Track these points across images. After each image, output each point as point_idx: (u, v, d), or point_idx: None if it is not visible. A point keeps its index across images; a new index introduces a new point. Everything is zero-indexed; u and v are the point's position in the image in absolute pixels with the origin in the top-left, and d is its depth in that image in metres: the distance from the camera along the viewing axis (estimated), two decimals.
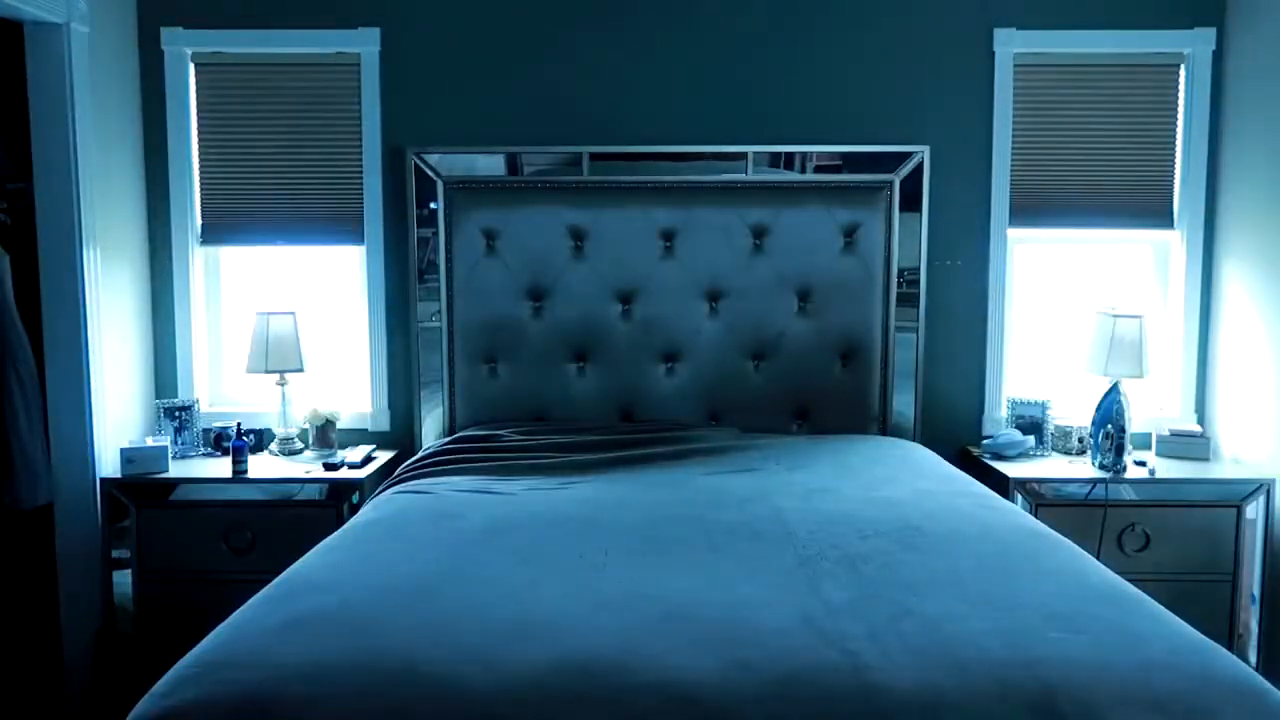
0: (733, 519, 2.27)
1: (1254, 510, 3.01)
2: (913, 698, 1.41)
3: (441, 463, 2.85)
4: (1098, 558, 2.55)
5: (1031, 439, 3.27)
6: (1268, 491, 3.00)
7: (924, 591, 1.75)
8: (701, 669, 1.46)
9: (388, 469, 3.19)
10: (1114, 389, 3.10)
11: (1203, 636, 1.62)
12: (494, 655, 1.51)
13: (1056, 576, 1.87)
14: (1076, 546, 2.09)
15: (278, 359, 3.25)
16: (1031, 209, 3.40)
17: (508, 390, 3.31)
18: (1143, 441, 3.32)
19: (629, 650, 1.52)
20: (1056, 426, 3.30)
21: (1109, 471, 3.04)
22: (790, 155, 3.29)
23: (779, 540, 2.09)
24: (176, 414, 3.29)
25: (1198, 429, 3.35)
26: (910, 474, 2.75)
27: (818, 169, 3.28)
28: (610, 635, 1.57)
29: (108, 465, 3.10)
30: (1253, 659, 3.05)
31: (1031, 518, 2.33)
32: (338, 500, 3.03)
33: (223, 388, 3.52)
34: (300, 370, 3.30)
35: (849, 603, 1.71)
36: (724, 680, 1.44)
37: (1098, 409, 3.11)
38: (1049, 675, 1.45)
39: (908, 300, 3.29)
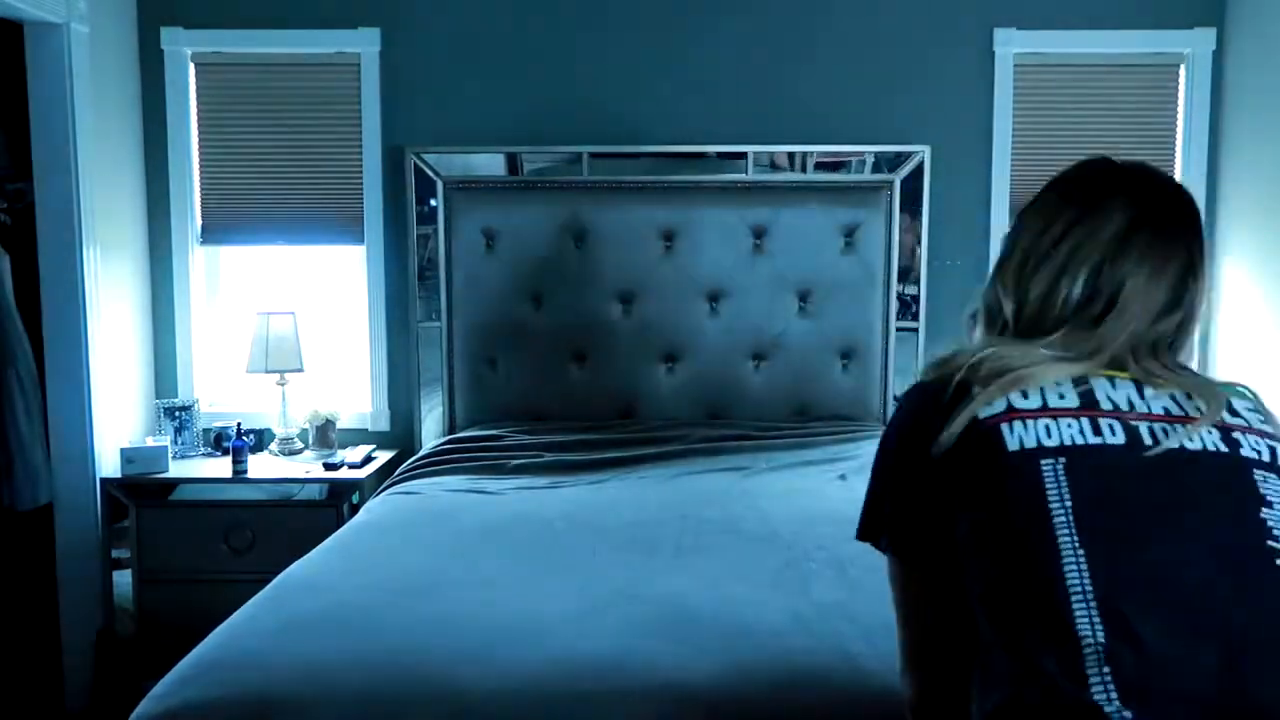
0: (727, 518, 2.27)
1: None
2: None
3: (440, 463, 2.85)
4: None
5: None
6: None
7: None
8: (697, 669, 1.46)
9: (388, 469, 3.19)
10: None
11: None
12: (491, 655, 1.51)
13: None
14: None
15: (278, 359, 3.25)
16: None
17: (508, 390, 3.30)
18: None
19: (625, 651, 1.52)
20: None
21: None
22: (790, 155, 3.28)
23: (771, 540, 2.09)
24: (176, 414, 3.29)
25: None
26: None
27: (818, 169, 3.28)
28: (606, 636, 1.57)
29: (108, 465, 3.10)
30: None
31: None
32: (337, 500, 3.03)
33: (223, 388, 3.52)
34: (300, 370, 3.30)
35: (842, 603, 1.70)
36: (720, 681, 1.44)
37: None
38: None
39: (908, 300, 3.29)
